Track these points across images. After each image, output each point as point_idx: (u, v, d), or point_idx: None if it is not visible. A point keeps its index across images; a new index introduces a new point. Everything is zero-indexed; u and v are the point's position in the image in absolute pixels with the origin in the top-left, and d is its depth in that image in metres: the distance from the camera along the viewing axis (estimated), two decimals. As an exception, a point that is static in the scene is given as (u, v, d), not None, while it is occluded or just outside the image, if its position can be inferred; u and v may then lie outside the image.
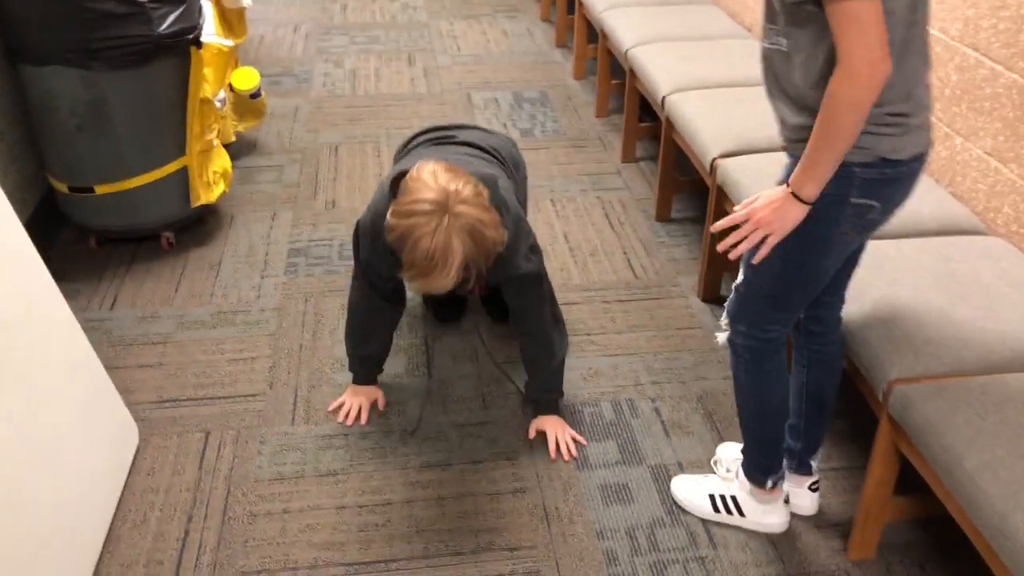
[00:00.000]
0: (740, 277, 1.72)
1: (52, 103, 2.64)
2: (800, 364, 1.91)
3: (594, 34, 4.12)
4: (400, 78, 4.48)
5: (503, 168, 2.24)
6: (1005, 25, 2.10)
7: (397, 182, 1.89)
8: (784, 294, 1.68)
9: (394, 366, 2.49)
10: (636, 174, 3.56)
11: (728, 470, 2.04)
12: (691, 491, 2.06)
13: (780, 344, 1.76)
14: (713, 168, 2.60)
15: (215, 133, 2.99)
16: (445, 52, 4.82)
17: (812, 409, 1.92)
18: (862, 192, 1.51)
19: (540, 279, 2.12)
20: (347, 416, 2.32)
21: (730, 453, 2.07)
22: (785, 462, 1.98)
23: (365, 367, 2.36)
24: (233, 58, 3.52)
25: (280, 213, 3.26)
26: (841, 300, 1.86)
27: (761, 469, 1.93)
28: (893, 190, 1.54)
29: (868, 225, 1.58)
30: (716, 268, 2.73)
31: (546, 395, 2.27)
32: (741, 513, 2.00)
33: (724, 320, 1.80)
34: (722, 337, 1.82)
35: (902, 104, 1.48)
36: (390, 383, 2.44)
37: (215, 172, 3.00)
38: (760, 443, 1.89)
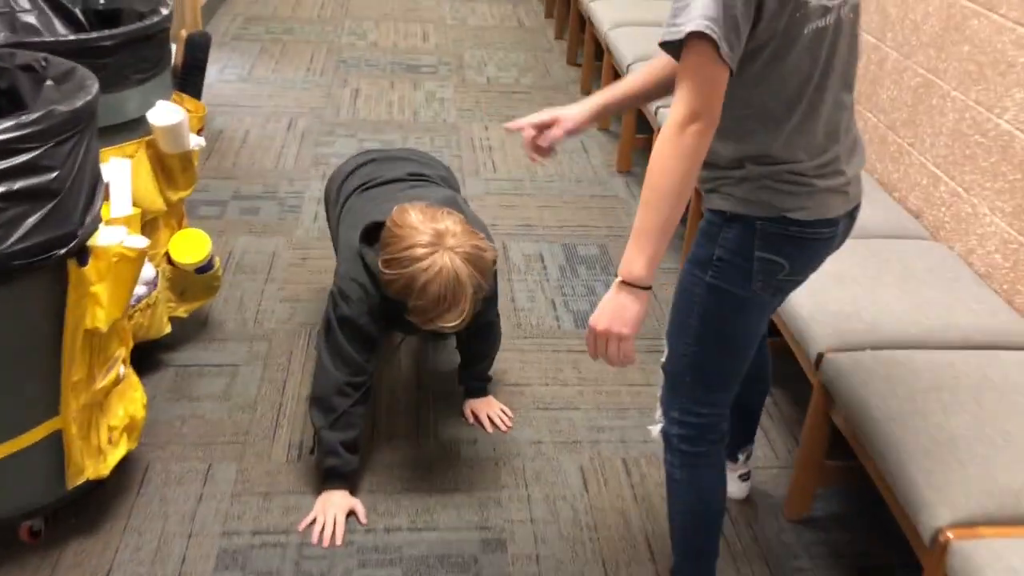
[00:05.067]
0: (664, 354, 1.65)
1: None
2: None
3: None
4: (416, 212, 3.41)
5: (449, 186, 2.34)
6: None
7: (369, 235, 1.96)
8: (710, 363, 1.61)
9: None
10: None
11: None
12: None
13: (717, 433, 1.67)
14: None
15: (116, 370, 1.92)
16: (476, 173, 3.75)
17: (738, 418, 1.81)
18: (765, 246, 1.48)
19: (496, 292, 2.20)
20: (321, 535, 1.97)
21: None
22: None
23: (348, 456, 2.03)
24: (177, 214, 2.47)
25: (218, 466, 2.18)
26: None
27: None
28: (799, 251, 1.50)
29: (781, 286, 1.54)
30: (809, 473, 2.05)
31: (480, 383, 2.38)
32: None
33: (658, 413, 1.70)
34: (655, 429, 1.72)
35: (805, 164, 1.44)
36: None
37: (113, 428, 1.93)
38: (694, 556, 1.76)
